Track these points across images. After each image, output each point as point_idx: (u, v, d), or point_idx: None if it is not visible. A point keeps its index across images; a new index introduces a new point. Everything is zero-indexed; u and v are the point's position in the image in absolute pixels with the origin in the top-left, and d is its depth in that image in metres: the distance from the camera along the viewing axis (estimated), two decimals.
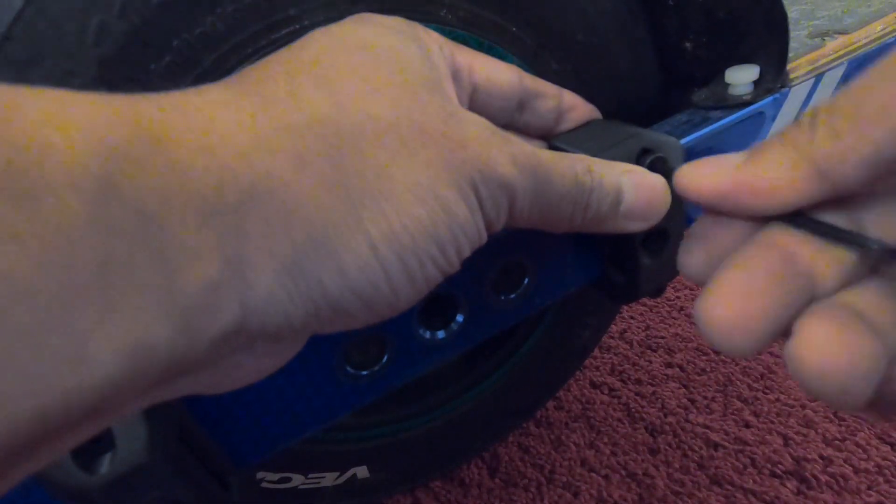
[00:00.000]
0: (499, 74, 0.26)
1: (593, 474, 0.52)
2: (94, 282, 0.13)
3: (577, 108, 0.29)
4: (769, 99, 0.33)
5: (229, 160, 0.16)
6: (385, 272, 0.18)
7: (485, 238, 0.21)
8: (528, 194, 0.21)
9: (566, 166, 0.22)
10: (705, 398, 0.60)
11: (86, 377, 0.13)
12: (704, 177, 0.20)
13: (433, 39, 0.23)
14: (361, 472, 0.44)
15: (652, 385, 0.62)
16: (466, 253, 0.21)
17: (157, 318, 0.14)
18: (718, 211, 0.20)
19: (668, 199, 0.25)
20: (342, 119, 0.18)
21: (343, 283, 0.18)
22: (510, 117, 0.27)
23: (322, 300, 0.18)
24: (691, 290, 0.78)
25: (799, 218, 0.19)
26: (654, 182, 0.25)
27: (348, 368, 0.28)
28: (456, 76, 0.24)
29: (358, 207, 0.18)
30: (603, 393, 0.61)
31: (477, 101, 0.26)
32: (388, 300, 0.19)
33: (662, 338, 0.69)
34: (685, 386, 0.62)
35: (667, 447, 0.54)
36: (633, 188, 0.24)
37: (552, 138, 0.29)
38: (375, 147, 0.18)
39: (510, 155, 0.21)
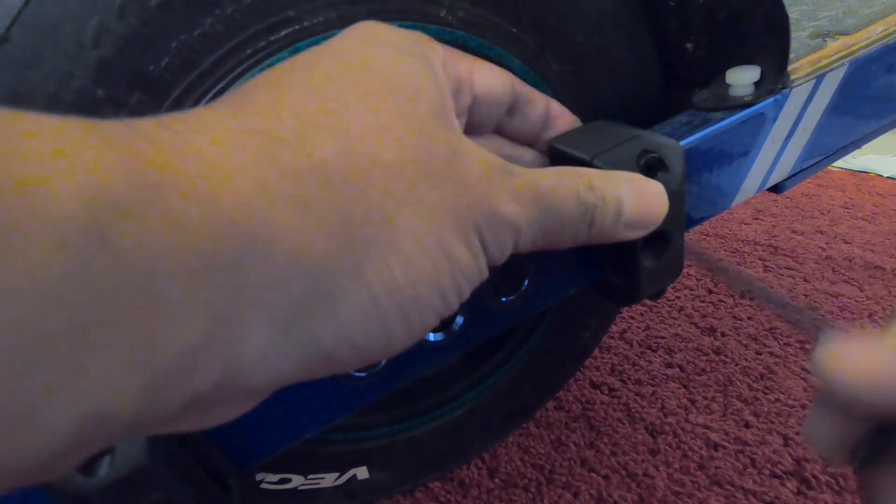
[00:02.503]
0: (495, 81, 0.25)
1: (593, 474, 0.52)
2: (62, 342, 0.12)
3: (562, 117, 0.29)
4: (770, 100, 0.33)
5: (228, 209, 0.15)
6: (383, 323, 0.18)
7: (486, 276, 0.21)
8: (533, 227, 0.21)
9: (567, 188, 0.22)
10: (705, 398, 0.60)
11: (26, 445, 0.12)
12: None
13: (437, 55, 0.22)
14: (361, 472, 0.44)
15: (652, 385, 0.62)
16: (466, 296, 0.21)
17: (126, 381, 0.13)
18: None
19: (666, 204, 0.25)
20: (348, 164, 0.18)
21: (339, 334, 0.17)
22: (501, 121, 0.27)
23: (315, 353, 0.17)
24: (691, 290, 0.78)
25: None
26: (653, 190, 0.25)
27: None
28: (458, 90, 0.24)
29: (361, 256, 0.17)
30: (603, 393, 0.61)
31: (474, 111, 0.26)
32: (383, 349, 0.19)
33: (662, 338, 0.69)
34: (685, 386, 0.61)
35: (667, 447, 0.54)
36: (633, 198, 0.24)
37: (553, 140, 0.29)
38: (381, 194, 0.18)
39: (512, 192, 0.21)
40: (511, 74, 0.26)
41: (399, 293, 0.18)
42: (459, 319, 0.29)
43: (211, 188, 0.15)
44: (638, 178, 0.25)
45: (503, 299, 0.29)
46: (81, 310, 0.12)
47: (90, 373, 0.12)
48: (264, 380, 0.16)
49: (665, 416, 0.58)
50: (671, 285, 0.76)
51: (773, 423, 0.56)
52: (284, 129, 0.17)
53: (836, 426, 0.21)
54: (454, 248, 0.19)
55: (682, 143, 0.31)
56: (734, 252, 0.86)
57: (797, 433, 0.55)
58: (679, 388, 0.61)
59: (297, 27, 0.29)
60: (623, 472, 0.52)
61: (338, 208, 0.17)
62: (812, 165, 0.38)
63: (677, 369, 0.64)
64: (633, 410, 0.59)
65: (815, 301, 0.73)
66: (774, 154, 0.36)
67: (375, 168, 0.18)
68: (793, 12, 0.45)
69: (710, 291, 0.77)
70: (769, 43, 0.33)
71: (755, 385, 0.61)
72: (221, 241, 0.15)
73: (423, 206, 0.19)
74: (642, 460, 0.53)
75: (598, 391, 0.62)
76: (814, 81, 0.34)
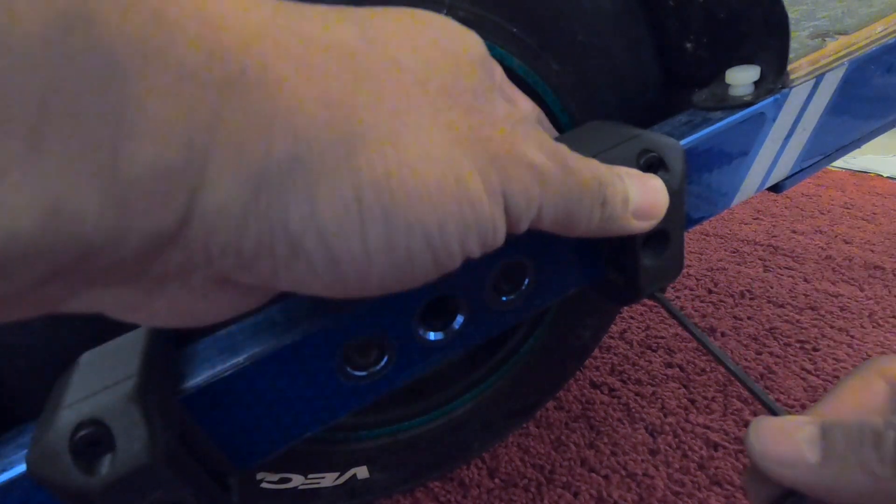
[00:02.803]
0: (531, 113, 0.26)
1: (593, 474, 0.52)
2: (26, 115, 0.11)
3: None
4: (770, 100, 0.33)
5: (226, 39, 0.14)
6: (362, 223, 0.16)
7: (501, 237, 0.19)
8: (558, 184, 0.20)
9: (581, 161, 0.22)
10: (705, 398, 0.60)
11: None
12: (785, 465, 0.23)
13: (500, 69, 0.22)
14: (361, 472, 0.44)
15: (652, 385, 0.62)
16: (472, 247, 0.19)
17: (89, 184, 0.12)
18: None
19: (667, 198, 0.26)
20: (367, 51, 0.16)
21: (310, 217, 0.16)
22: None
23: (280, 230, 0.15)
24: (691, 290, 0.78)
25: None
26: (653, 183, 0.25)
27: (349, 369, 0.28)
28: None
29: (356, 138, 0.16)
30: (603, 393, 0.62)
31: None
32: (359, 262, 0.17)
33: (662, 338, 0.69)
34: (685, 386, 0.62)
35: (667, 447, 0.54)
36: (638, 188, 0.25)
37: (553, 140, 0.29)
38: (395, 90, 0.16)
39: (538, 141, 0.20)
40: (539, 109, 0.27)
41: (389, 195, 0.16)
42: (459, 319, 0.29)
43: (213, 17, 0.14)
44: (637, 172, 0.25)
45: (503, 298, 0.30)
46: (49, 84, 0.12)
47: (51, 157, 0.12)
48: (223, 239, 0.15)
49: (665, 416, 0.58)
50: (671, 285, 0.76)
51: None
52: (312, 12, 0.16)
53: (761, 485, 0.25)
54: (467, 177, 0.17)
55: (682, 142, 0.31)
56: (734, 252, 0.86)
57: None
58: (679, 388, 0.61)
59: None
60: (623, 472, 0.52)
61: (343, 82, 0.16)
62: (812, 165, 0.38)
63: (677, 369, 0.64)
64: (633, 410, 0.59)
65: (815, 301, 0.73)
66: (774, 154, 0.36)
67: (395, 68, 0.17)
68: (793, 12, 0.45)
69: (710, 291, 0.77)
70: (769, 43, 0.33)
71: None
72: (212, 61, 0.14)
73: (440, 117, 0.17)
74: (642, 460, 0.53)
75: (598, 391, 0.62)
76: (813, 81, 0.35)
